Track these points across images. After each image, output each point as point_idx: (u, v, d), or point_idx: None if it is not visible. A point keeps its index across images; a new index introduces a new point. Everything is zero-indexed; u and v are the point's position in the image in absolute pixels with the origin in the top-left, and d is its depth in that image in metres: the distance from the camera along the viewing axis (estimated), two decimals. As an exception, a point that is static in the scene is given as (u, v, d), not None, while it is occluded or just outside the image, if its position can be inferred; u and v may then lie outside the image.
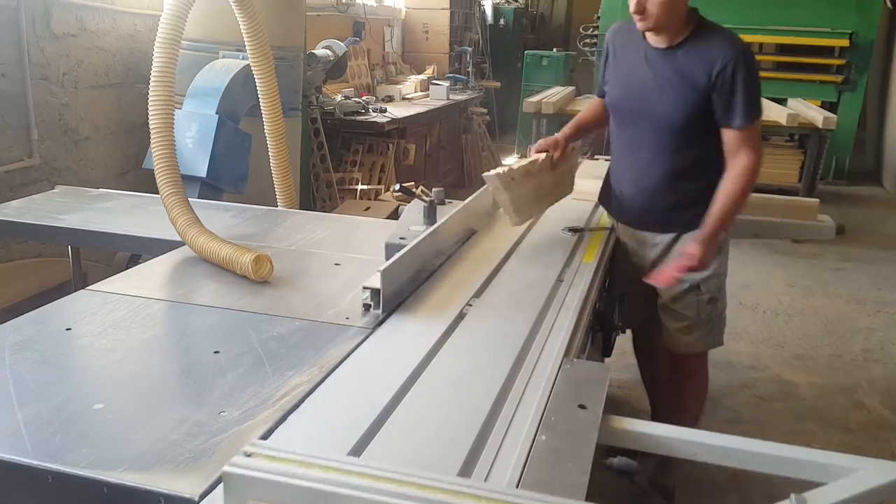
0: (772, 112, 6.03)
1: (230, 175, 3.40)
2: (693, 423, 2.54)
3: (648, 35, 2.23)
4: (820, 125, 6.02)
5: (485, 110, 8.54)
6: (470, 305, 1.75)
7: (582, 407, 1.30)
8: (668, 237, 2.35)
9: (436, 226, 2.01)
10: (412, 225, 2.12)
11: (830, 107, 7.61)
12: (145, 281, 1.88)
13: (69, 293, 1.76)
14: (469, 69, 8.73)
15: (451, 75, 8.08)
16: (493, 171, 2.10)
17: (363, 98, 6.17)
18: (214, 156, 3.28)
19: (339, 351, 1.49)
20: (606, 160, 3.81)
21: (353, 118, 5.71)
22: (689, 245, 2.19)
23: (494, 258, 2.09)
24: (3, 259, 3.33)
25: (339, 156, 5.83)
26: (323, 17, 6.34)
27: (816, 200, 2.97)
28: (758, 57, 6.23)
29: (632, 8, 2.13)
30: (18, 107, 3.38)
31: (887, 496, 1.23)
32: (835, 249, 5.75)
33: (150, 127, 2.08)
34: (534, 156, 2.29)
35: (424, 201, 2.18)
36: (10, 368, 1.37)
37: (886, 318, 4.52)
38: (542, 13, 13.00)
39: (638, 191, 2.34)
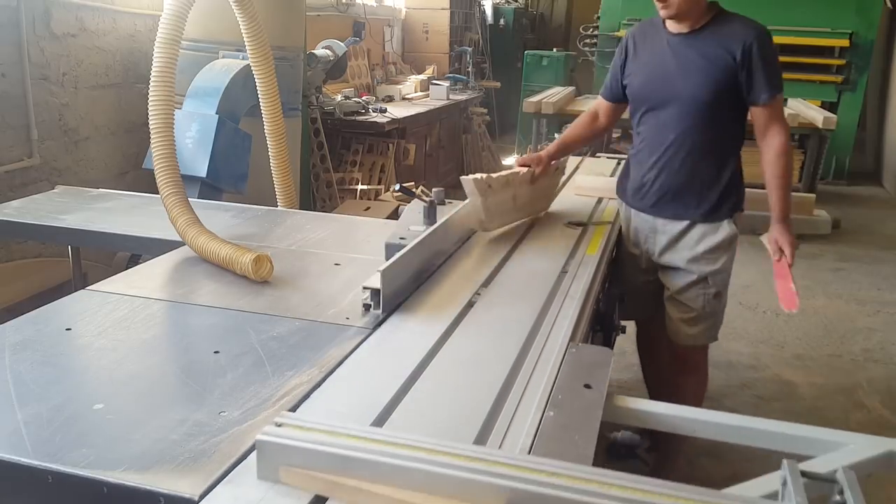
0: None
1: (230, 175, 3.40)
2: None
3: (669, 23, 2.32)
4: (820, 125, 6.03)
5: (485, 110, 8.54)
6: (479, 295, 1.81)
7: (587, 387, 1.37)
8: (680, 226, 2.40)
9: (436, 226, 2.01)
10: (412, 225, 2.12)
11: (830, 107, 7.62)
12: (145, 281, 1.88)
13: (69, 293, 1.76)
14: (469, 69, 8.73)
15: (451, 75, 8.09)
16: (471, 176, 2.15)
17: (363, 98, 6.17)
18: (214, 156, 3.28)
19: (340, 351, 1.49)
20: (608, 158, 3.88)
21: (353, 118, 5.71)
22: (775, 242, 2.31)
23: (498, 253, 2.13)
24: (3, 259, 3.33)
25: (339, 156, 5.83)
26: (323, 17, 6.34)
27: (813, 195, 3.09)
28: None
29: None
30: (18, 107, 3.38)
31: (875, 468, 1.28)
32: (834, 249, 5.76)
33: (150, 127, 2.08)
34: (515, 168, 2.38)
35: (424, 201, 2.18)
36: (10, 368, 1.37)
37: (886, 318, 4.53)
38: (542, 13, 13.01)
39: (661, 173, 2.40)
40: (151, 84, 2.07)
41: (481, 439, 1.20)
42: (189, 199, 2.13)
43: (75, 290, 1.78)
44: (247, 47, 2.48)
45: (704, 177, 2.36)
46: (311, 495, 1.02)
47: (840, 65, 7.78)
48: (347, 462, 1.01)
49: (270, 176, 2.75)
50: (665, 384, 2.76)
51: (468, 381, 1.38)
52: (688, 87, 2.28)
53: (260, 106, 2.62)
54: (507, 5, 10.97)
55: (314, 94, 5.32)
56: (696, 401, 2.65)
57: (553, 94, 6.81)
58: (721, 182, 2.35)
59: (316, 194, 5.32)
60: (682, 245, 2.41)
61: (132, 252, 2.81)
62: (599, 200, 2.83)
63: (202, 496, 1.03)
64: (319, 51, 5.29)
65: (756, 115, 2.30)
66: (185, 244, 2.06)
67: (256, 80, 2.56)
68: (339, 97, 5.96)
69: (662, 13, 2.28)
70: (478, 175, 2.16)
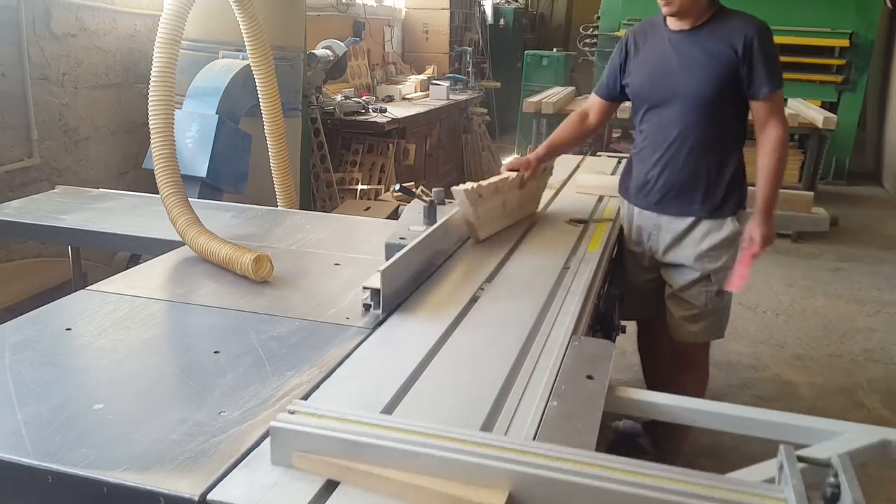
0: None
1: (230, 175, 3.40)
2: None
3: (670, 21, 2.34)
4: (820, 125, 6.02)
5: (485, 110, 8.54)
6: (482, 290, 1.84)
7: (590, 378, 1.41)
8: (685, 223, 2.41)
9: (436, 226, 2.02)
10: (412, 225, 2.12)
11: (830, 107, 7.61)
12: (145, 281, 1.88)
13: (69, 293, 1.76)
14: (469, 69, 8.73)
15: (451, 75, 8.08)
16: (461, 186, 2.14)
17: (363, 98, 6.17)
18: (214, 156, 3.28)
19: (340, 351, 1.49)
20: (609, 156, 3.89)
21: (353, 118, 5.71)
22: (750, 231, 2.29)
23: (501, 250, 2.16)
24: (3, 259, 3.33)
25: (339, 156, 5.83)
26: (323, 17, 6.34)
27: (811, 193, 3.14)
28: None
29: None
30: (18, 107, 3.38)
31: (870, 457, 1.31)
32: (835, 249, 5.76)
33: (150, 127, 2.08)
34: (504, 173, 2.36)
35: (424, 201, 2.18)
36: (10, 368, 1.37)
37: (886, 318, 4.53)
38: (542, 13, 13.01)
39: (664, 170, 2.40)
40: (151, 84, 2.07)
41: (486, 429, 1.23)
42: (189, 199, 2.13)
43: (75, 290, 1.78)
44: (247, 47, 2.48)
45: (708, 173, 2.36)
46: (323, 480, 1.05)
47: (840, 65, 7.78)
48: (358, 447, 1.04)
49: (270, 176, 2.75)
50: (665, 382, 2.75)
51: (472, 375, 1.41)
52: (690, 84, 2.29)
53: (260, 106, 2.62)
54: (507, 5, 10.97)
55: (314, 94, 5.32)
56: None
57: (553, 94, 6.81)
58: (724, 179, 2.37)
59: (316, 194, 5.32)
60: (686, 242, 2.42)
61: (132, 252, 2.81)
62: (600, 198, 2.86)
63: (202, 496, 1.03)
64: (319, 51, 5.28)
65: (756, 109, 2.31)
66: (185, 244, 2.06)
67: (256, 80, 2.56)
68: (339, 97, 5.95)
69: (665, 10, 2.29)
70: (468, 185, 2.15)
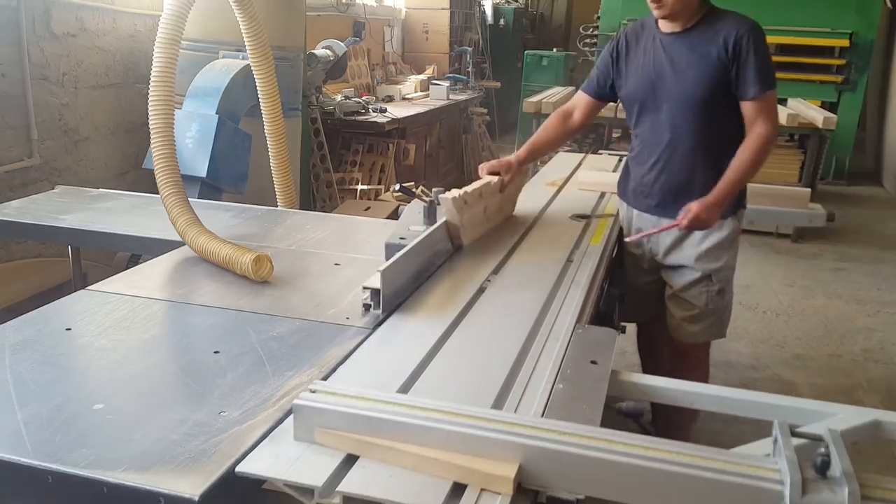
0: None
1: (230, 175, 3.40)
2: (692, 417, 2.56)
3: (662, 23, 2.32)
4: (820, 125, 6.02)
5: (485, 110, 8.54)
6: (489, 282, 1.89)
7: (593, 363, 1.48)
8: None
9: (436, 226, 2.02)
10: (412, 225, 2.12)
11: (830, 107, 7.61)
12: (145, 281, 1.88)
13: (69, 293, 1.76)
14: (469, 69, 8.73)
15: (451, 75, 8.08)
16: (448, 194, 2.13)
17: (363, 98, 6.17)
18: (214, 156, 3.28)
19: (340, 351, 1.49)
20: (610, 155, 3.90)
21: (353, 118, 5.71)
22: (690, 205, 2.23)
23: (506, 244, 2.19)
24: (3, 259, 3.33)
25: (339, 156, 5.83)
26: (323, 17, 6.34)
27: (808, 189, 3.18)
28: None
29: None
30: (18, 107, 3.38)
31: (861, 437, 1.36)
32: (835, 249, 5.76)
33: (150, 127, 2.08)
34: (486, 178, 2.33)
35: (424, 201, 2.18)
36: (10, 368, 1.37)
37: (886, 318, 4.52)
38: (542, 13, 13.01)
39: (661, 173, 2.40)
40: (151, 84, 2.07)
41: (496, 407, 1.28)
42: (189, 199, 2.13)
43: (75, 290, 1.78)
44: (247, 47, 2.48)
45: (705, 174, 2.35)
46: (344, 454, 1.12)
47: (840, 65, 7.78)
48: (377, 423, 1.11)
49: (270, 176, 2.75)
50: (665, 381, 2.77)
51: (478, 365, 1.45)
52: (682, 86, 2.28)
53: (260, 106, 2.62)
54: (507, 5, 10.97)
55: (314, 94, 5.31)
56: None
57: (553, 94, 6.81)
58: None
59: (316, 194, 5.32)
60: (687, 244, 2.41)
61: (132, 252, 2.81)
62: (602, 195, 2.91)
63: (203, 496, 1.03)
64: (319, 51, 5.28)
65: (745, 109, 2.27)
66: (185, 244, 2.06)
67: (256, 80, 2.56)
68: (339, 97, 5.95)
69: (656, 13, 2.27)
70: (454, 193, 2.13)
